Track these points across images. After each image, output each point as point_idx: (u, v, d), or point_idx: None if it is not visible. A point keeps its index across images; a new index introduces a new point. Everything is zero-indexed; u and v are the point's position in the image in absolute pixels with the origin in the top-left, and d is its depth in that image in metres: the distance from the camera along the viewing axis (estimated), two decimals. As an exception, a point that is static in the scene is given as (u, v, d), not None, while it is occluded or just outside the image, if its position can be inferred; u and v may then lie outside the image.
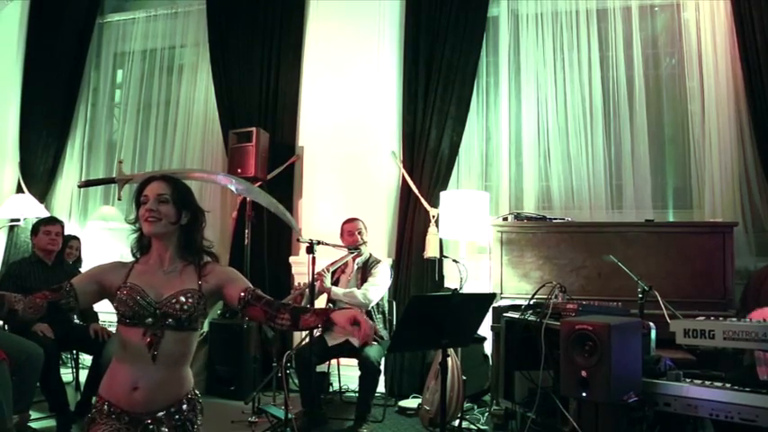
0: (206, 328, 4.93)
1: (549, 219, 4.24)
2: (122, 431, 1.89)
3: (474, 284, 4.35)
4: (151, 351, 1.89)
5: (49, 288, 1.95)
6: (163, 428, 1.93)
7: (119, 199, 4.11)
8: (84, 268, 4.62)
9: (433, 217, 4.58)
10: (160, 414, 1.93)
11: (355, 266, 4.06)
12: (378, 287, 3.92)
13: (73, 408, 3.71)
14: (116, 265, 2.06)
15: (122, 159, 4.41)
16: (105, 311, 4.32)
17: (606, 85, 4.70)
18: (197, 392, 2.06)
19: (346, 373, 4.41)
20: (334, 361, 4.22)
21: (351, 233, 4.06)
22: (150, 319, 1.90)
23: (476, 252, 4.73)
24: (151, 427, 1.92)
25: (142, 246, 2.05)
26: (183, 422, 1.96)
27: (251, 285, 2.00)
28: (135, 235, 2.05)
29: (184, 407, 1.97)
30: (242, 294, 1.95)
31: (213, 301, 2.04)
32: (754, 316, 3.02)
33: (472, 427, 3.77)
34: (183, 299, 1.93)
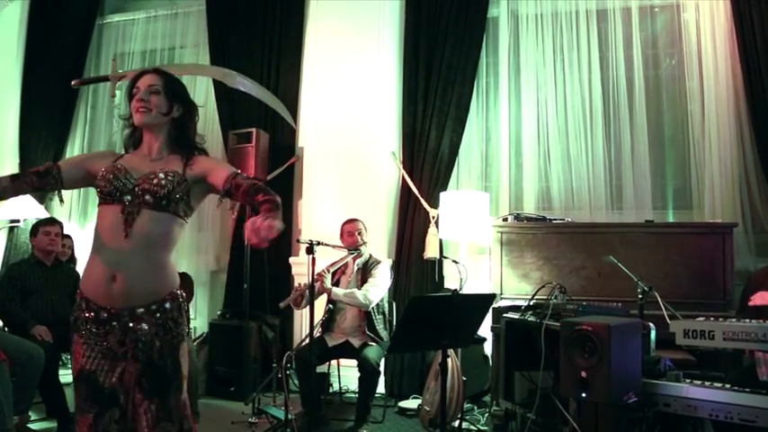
0: (206, 328, 4.94)
1: (549, 219, 4.25)
2: (102, 352, 1.85)
3: (474, 285, 4.35)
4: (125, 227, 1.85)
5: (36, 170, 1.96)
6: (143, 325, 1.87)
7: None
8: (78, 266, 4.62)
9: (433, 217, 4.58)
10: (140, 311, 1.87)
11: (355, 267, 4.05)
12: (378, 287, 3.91)
13: (72, 409, 3.70)
14: (106, 153, 2.10)
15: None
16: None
17: (606, 86, 4.70)
18: (182, 293, 1.99)
19: (346, 374, 4.40)
20: (334, 362, 4.21)
21: (351, 234, 4.05)
22: (128, 197, 1.88)
23: (476, 253, 4.73)
24: (131, 324, 1.86)
25: (135, 141, 2.05)
26: (164, 321, 1.90)
27: (234, 171, 1.95)
28: (127, 130, 2.05)
29: (167, 305, 1.92)
30: (224, 183, 1.91)
31: (198, 190, 1.99)
32: (755, 299, 3.01)
33: (472, 427, 3.78)
34: (161, 175, 1.91)
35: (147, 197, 1.88)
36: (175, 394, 1.91)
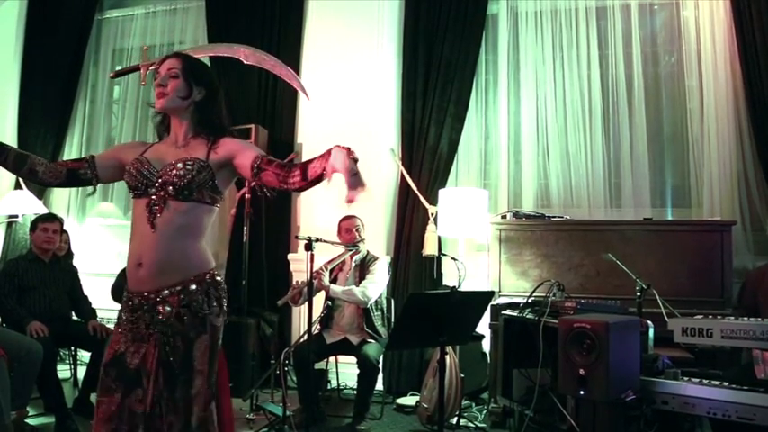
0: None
1: (548, 217, 4.24)
2: (133, 335, 1.88)
3: (472, 282, 4.35)
4: (151, 219, 1.87)
5: (72, 159, 2.05)
6: (166, 307, 1.87)
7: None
8: (77, 262, 4.61)
9: (432, 215, 4.58)
10: (165, 293, 1.88)
11: (353, 264, 4.05)
12: (376, 284, 3.91)
13: (71, 405, 3.70)
14: (137, 143, 2.11)
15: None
16: (103, 308, 4.33)
17: (605, 84, 4.70)
18: (218, 278, 1.98)
19: (344, 371, 4.40)
20: (332, 358, 4.21)
21: (348, 230, 4.04)
22: (153, 189, 1.90)
23: (474, 250, 4.73)
24: (158, 308, 1.87)
25: (166, 127, 2.06)
26: (188, 303, 1.89)
27: (263, 153, 1.94)
28: (158, 118, 2.07)
29: (192, 287, 1.90)
30: (253, 162, 1.89)
31: (224, 174, 1.97)
32: None
33: (470, 424, 3.78)
34: (180, 165, 1.90)
35: (170, 189, 1.89)
36: (183, 387, 1.86)
